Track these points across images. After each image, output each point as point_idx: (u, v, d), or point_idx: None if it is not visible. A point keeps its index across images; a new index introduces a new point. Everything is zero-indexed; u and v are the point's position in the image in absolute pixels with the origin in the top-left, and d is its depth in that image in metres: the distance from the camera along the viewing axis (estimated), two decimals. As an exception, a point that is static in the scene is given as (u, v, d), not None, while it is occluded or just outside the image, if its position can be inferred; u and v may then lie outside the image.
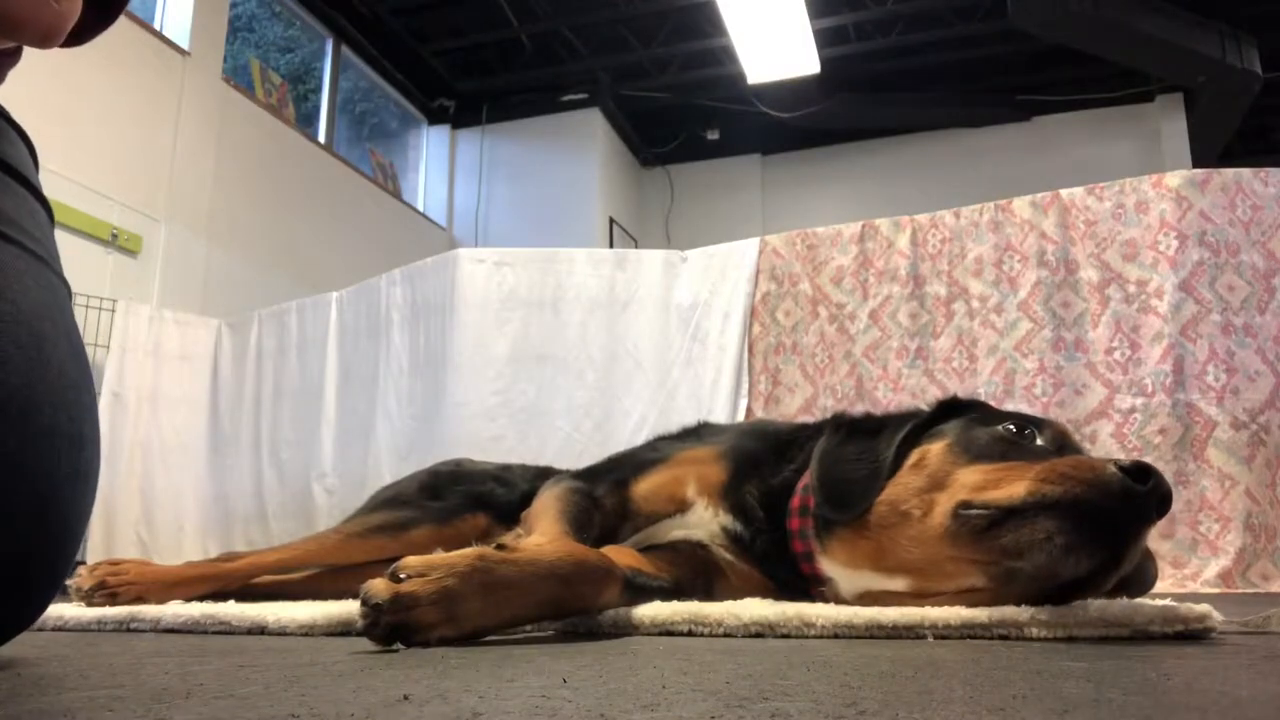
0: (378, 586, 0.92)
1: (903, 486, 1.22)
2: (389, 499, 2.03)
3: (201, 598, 1.75)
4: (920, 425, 1.31)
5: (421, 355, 4.05)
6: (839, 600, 1.29)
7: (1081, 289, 3.20)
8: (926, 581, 1.18)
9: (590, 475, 1.61)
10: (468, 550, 0.99)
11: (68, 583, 1.67)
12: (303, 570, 1.98)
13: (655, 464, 1.57)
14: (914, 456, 1.25)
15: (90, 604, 1.65)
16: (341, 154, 7.27)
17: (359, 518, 1.99)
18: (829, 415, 1.52)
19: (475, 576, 0.96)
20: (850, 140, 8.62)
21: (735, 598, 1.30)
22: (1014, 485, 1.07)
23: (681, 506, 1.50)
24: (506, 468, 2.09)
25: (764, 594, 1.38)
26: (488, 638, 1.00)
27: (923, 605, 1.13)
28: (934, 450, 1.24)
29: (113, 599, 1.67)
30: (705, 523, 1.47)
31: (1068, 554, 1.02)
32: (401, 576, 0.93)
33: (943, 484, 1.17)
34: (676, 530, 1.47)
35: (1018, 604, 1.07)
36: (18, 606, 0.81)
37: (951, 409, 1.35)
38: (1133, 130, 7.84)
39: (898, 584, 1.21)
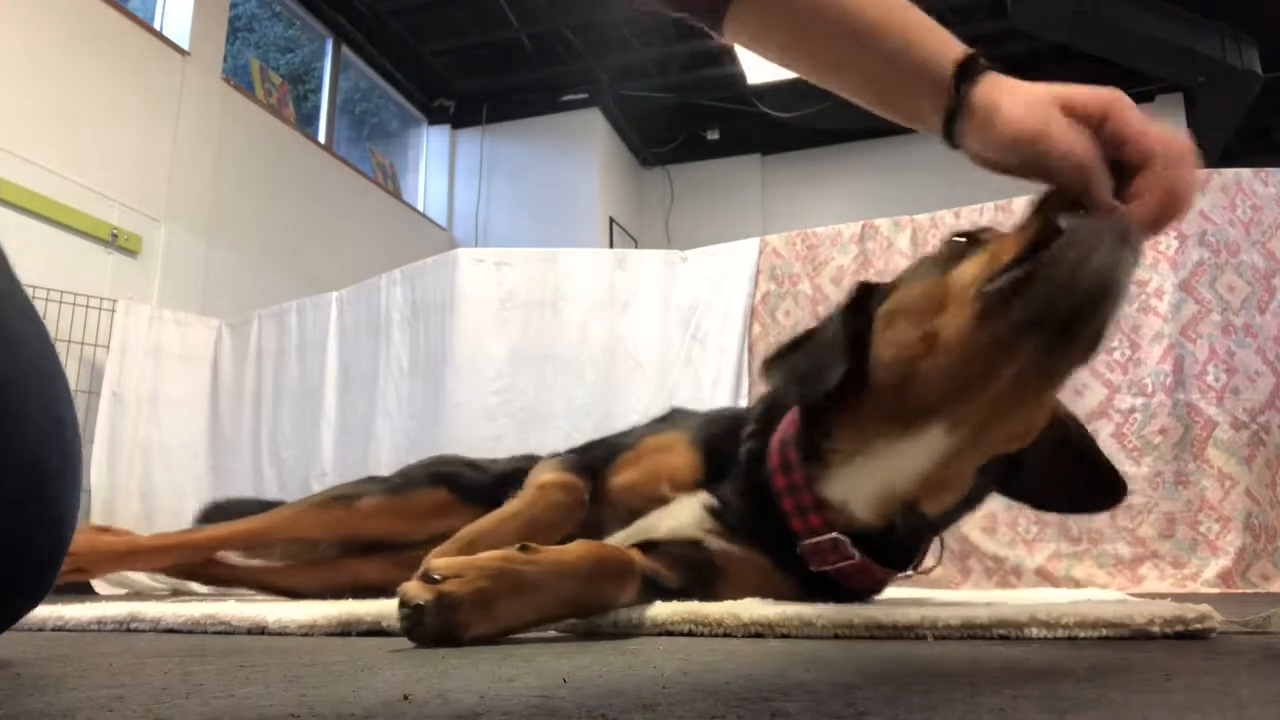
0: (416, 589, 0.94)
1: (889, 338, 1.09)
2: (361, 480, 2.05)
3: (164, 572, 1.74)
4: (852, 303, 1.19)
5: (421, 355, 4.06)
6: (852, 524, 1.19)
7: (1081, 289, 3.20)
8: (960, 403, 1.04)
9: (572, 453, 1.63)
10: (493, 552, 1.02)
11: None
12: (268, 544, 1.97)
13: (625, 453, 1.54)
14: (880, 319, 1.12)
15: None
16: (341, 154, 7.27)
17: (316, 493, 2.01)
18: None
19: (506, 578, 0.98)
20: (850, 140, 8.61)
21: (737, 592, 1.29)
22: (1017, 243, 0.96)
23: (661, 501, 1.48)
24: (488, 459, 2.11)
25: (763, 583, 1.34)
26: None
27: (957, 449, 1.06)
28: (899, 295, 1.12)
29: None
30: (689, 509, 1.44)
31: (1117, 247, 0.89)
32: (435, 577, 0.95)
33: (939, 302, 1.04)
34: (666, 522, 1.45)
35: (1048, 372, 0.99)
36: (13, 598, 0.80)
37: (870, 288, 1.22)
38: (1133, 130, 7.83)
39: (927, 436, 1.07)
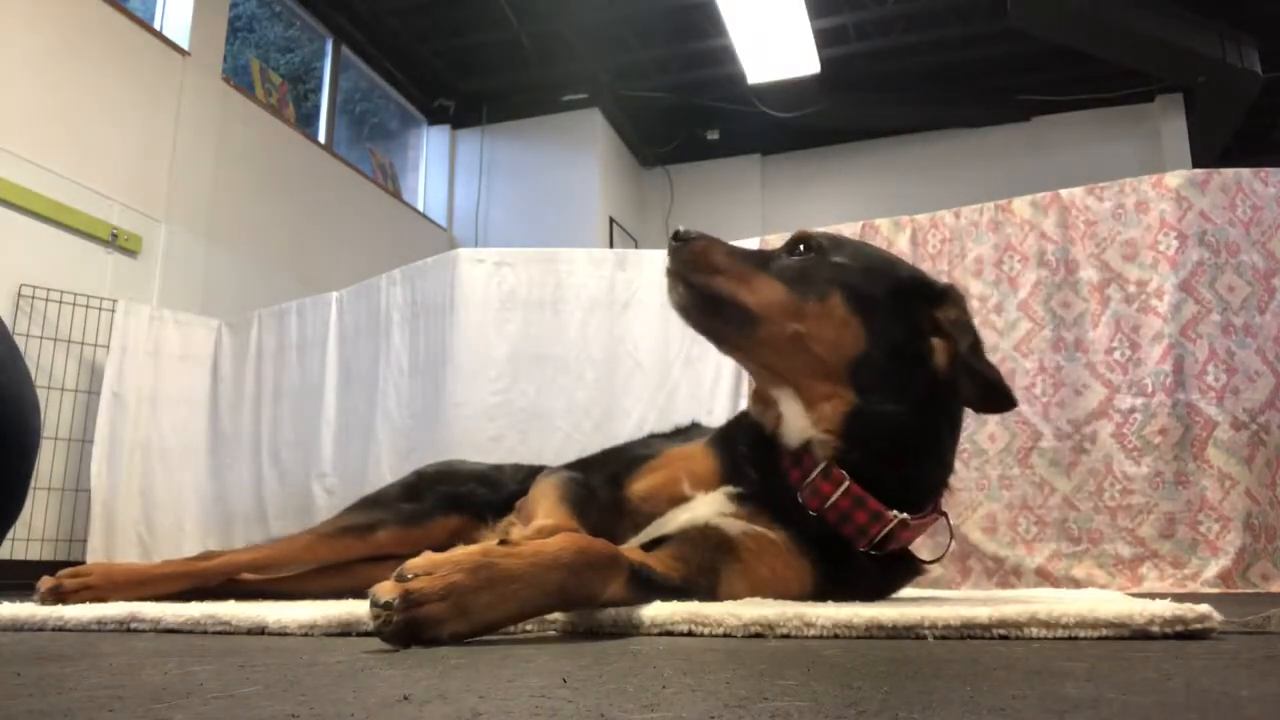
0: (385, 587, 0.93)
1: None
2: (368, 500, 2.03)
3: (176, 597, 1.74)
4: None
5: (421, 355, 4.05)
6: (828, 452, 1.41)
7: (1081, 289, 3.20)
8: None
9: (584, 467, 1.64)
10: (472, 547, 1.01)
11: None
12: (280, 570, 1.97)
13: (648, 462, 1.57)
14: None
15: (43, 604, 1.65)
16: (341, 154, 7.27)
17: (331, 519, 1.99)
18: None
19: (481, 571, 0.97)
20: (850, 140, 8.62)
21: (748, 578, 1.33)
22: None
23: (680, 502, 1.50)
24: (497, 468, 2.08)
25: (779, 562, 1.39)
26: (491, 636, 1.00)
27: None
28: None
29: (63, 599, 1.66)
30: (711, 501, 1.47)
31: None
32: (408, 576, 0.94)
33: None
34: (682, 515, 1.46)
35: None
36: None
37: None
38: (1133, 130, 7.83)
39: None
